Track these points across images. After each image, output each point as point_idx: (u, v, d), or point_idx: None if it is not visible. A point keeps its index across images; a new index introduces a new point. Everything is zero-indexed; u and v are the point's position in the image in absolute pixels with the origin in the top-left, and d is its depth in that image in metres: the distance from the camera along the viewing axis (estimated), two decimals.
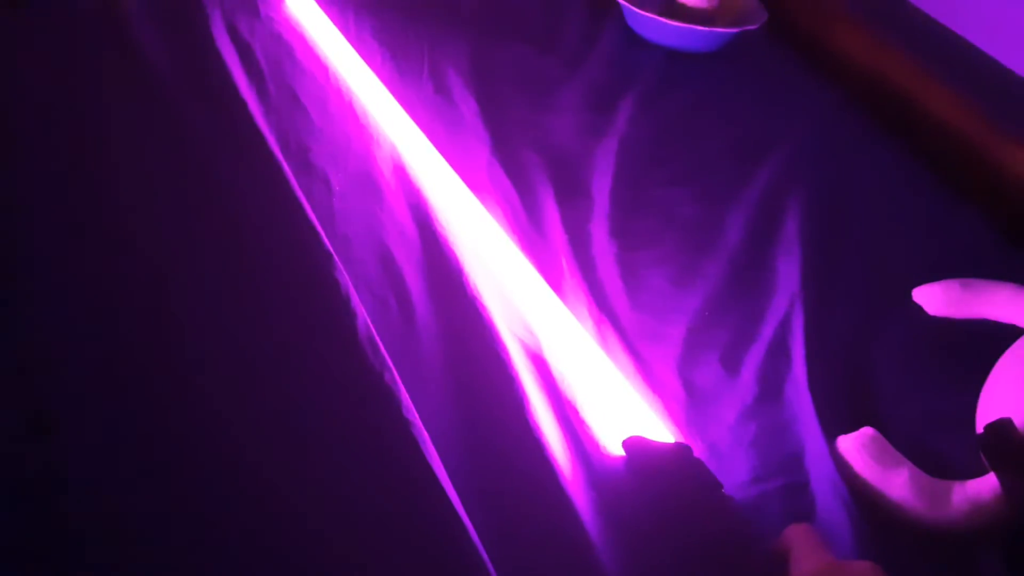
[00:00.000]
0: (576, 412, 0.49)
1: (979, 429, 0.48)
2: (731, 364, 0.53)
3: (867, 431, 0.48)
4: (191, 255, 0.53)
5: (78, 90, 0.64)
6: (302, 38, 0.76)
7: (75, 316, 0.48)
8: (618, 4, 0.88)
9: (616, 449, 0.48)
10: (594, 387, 0.51)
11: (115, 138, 0.61)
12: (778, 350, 0.54)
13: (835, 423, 0.50)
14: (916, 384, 0.54)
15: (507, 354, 0.50)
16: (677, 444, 0.47)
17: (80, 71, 0.66)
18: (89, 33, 0.70)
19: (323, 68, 0.73)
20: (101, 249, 0.53)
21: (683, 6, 0.88)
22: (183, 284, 0.51)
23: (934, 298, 0.59)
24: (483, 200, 0.62)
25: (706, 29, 0.85)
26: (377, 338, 0.48)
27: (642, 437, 0.47)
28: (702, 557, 0.43)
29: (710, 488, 0.45)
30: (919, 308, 0.60)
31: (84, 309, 0.48)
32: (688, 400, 0.51)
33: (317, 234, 0.54)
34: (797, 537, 0.41)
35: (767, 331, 0.56)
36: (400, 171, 0.64)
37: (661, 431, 0.48)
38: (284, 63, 0.72)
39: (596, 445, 0.47)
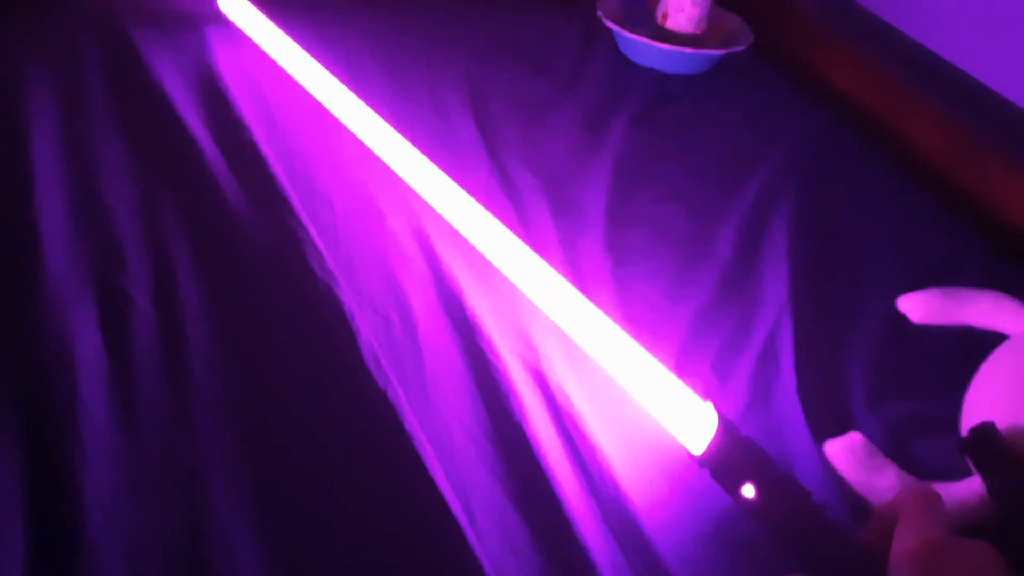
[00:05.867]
0: (575, 423, 0.50)
1: (963, 433, 0.49)
2: (722, 372, 0.55)
3: (854, 435, 0.49)
4: (194, 274, 0.54)
5: (85, 118, 0.67)
6: (302, 66, 0.78)
7: (76, 324, 0.49)
8: (610, 29, 0.91)
9: (615, 457, 0.49)
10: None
11: (122, 165, 0.62)
12: (767, 358, 0.56)
13: (823, 428, 0.51)
14: (901, 390, 0.55)
15: (506, 367, 0.52)
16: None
17: (85, 101, 0.68)
18: (91, 59, 0.73)
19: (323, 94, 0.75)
20: (100, 265, 0.54)
21: (672, 30, 0.91)
22: (186, 303, 0.52)
23: (918, 307, 0.61)
24: (480, 218, 0.64)
25: (695, 51, 0.87)
26: (381, 355, 0.50)
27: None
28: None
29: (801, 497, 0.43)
30: (903, 317, 0.61)
31: (84, 321, 0.50)
32: None
33: (321, 255, 0.55)
34: (908, 504, 0.36)
35: (757, 340, 0.57)
36: (402, 192, 0.65)
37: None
38: (288, 88, 0.74)
39: (592, 452, 0.48)
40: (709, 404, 0.47)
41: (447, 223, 0.62)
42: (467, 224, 0.60)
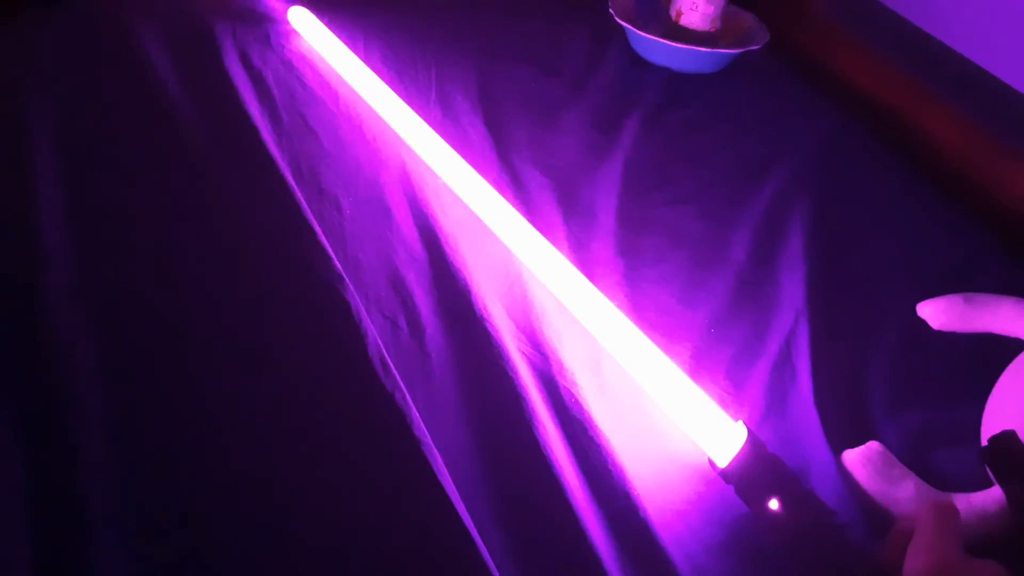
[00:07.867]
0: (584, 428, 0.49)
1: (984, 442, 0.49)
2: (737, 379, 0.54)
3: (873, 445, 0.48)
4: (204, 278, 0.54)
5: (91, 117, 0.66)
6: (312, 65, 0.78)
7: (76, 323, 0.49)
8: (622, 27, 0.90)
9: (626, 465, 0.48)
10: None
11: (129, 165, 0.62)
12: (783, 365, 0.55)
13: (841, 437, 0.50)
14: (921, 398, 0.54)
15: (516, 372, 0.51)
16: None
17: (93, 100, 0.68)
18: (101, 60, 0.72)
19: (333, 94, 0.75)
20: (101, 264, 0.54)
21: (686, 28, 0.90)
22: (197, 306, 0.52)
23: (938, 313, 0.60)
24: (490, 220, 0.63)
25: (709, 50, 0.86)
26: (388, 358, 0.49)
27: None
28: None
29: (825, 516, 0.43)
30: (923, 323, 0.60)
31: (85, 323, 0.50)
32: None
33: (328, 257, 0.55)
34: (927, 521, 0.36)
35: (772, 346, 0.56)
36: (409, 194, 0.65)
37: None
38: (295, 90, 0.74)
39: (603, 461, 0.48)
40: (740, 422, 0.46)
41: (456, 224, 0.62)
42: (480, 219, 0.59)
